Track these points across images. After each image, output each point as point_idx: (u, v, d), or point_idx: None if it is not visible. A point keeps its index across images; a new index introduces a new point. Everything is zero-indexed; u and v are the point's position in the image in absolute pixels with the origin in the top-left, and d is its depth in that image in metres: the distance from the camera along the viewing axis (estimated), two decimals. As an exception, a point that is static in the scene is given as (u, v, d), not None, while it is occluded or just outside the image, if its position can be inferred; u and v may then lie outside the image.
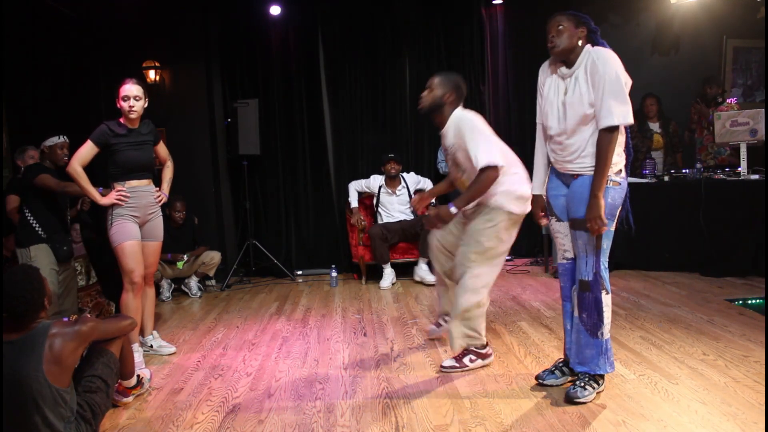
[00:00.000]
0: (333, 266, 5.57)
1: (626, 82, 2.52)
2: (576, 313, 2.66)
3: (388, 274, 5.31)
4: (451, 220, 3.04)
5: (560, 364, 2.83)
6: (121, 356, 2.62)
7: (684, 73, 6.05)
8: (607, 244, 2.61)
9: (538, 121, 2.80)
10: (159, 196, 3.53)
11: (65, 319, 2.35)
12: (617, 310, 3.99)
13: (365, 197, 5.85)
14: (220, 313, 4.66)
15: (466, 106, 3.16)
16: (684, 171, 5.29)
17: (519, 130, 6.29)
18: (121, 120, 3.36)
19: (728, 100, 5.36)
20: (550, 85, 2.71)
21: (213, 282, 5.60)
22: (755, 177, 4.77)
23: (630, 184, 5.24)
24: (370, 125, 6.11)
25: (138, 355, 3.22)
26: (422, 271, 5.32)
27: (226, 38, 6.01)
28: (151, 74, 5.69)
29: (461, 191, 3.09)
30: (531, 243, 6.26)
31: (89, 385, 2.40)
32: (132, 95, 3.29)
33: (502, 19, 6.28)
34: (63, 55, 5.32)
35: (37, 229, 3.77)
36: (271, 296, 5.18)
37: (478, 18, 6.19)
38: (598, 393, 2.65)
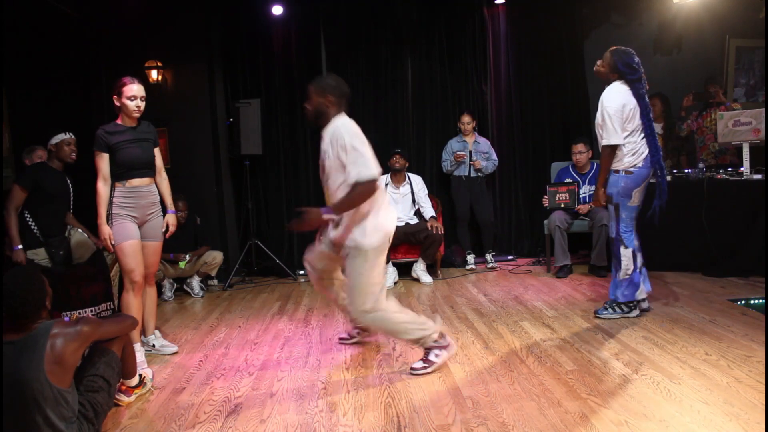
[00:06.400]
0: (335, 266, 5.56)
1: (628, 116, 3.55)
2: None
3: (390, 273, 5.31)
4: (320, 225, 2.97)
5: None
6: (122, 356, 2.63)
7: (686, 73, 6.05)
8: (626, 215, 3.68)
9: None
10: (168, 228, 3.54)
11: (66, 319, 2.35)
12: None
13: None
14: (222, 312, 4.66)
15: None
16: (686, 171, 5.27)
17: (520, 130, 6.29)
18: (118, 120, 3.36)
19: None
20: None
21: (215, 282, 5.61)
22: (758, 177, 4.75)
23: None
24: (372, 125, 6.10)
25: (140, 355, 3.23)
26: (419, 270, 5.37)
27: (229, 38, 6.02)
28: (153, 74, 5.68)
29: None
30: (533, 243, 6.26)
31: (91, 385, 2.40)
32: (140, 95, 3.32)
33: (504, 19, 6.27)
34: (65, 55, 5.33)
35: (36, 232, 3.74)
36: (273, 296, 5.18)
37: (480, 18, 6.20)
38: (623, 316, 3.73)
